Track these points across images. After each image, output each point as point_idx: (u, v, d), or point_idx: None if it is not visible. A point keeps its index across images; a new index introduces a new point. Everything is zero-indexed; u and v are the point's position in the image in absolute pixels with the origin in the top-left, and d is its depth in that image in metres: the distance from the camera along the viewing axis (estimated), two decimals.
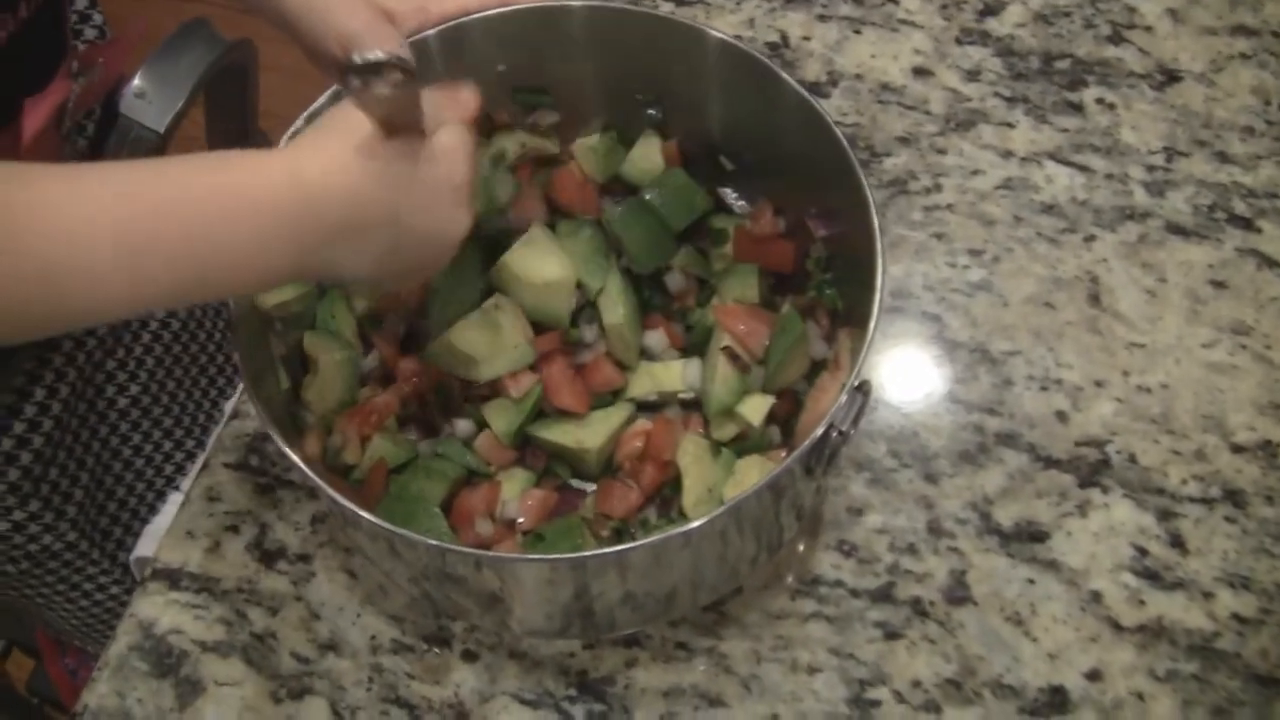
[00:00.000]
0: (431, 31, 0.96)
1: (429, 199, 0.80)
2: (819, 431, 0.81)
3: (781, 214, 1.04)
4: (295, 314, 0.99)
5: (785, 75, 0.94)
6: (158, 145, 1.15)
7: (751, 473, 0.96)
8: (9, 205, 0.66)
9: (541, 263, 1.00)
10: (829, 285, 1.00)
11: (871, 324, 0.84)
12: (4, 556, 1.18)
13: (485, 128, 1.05)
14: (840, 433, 0.82)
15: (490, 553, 0.88)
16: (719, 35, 0.97)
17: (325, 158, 0.78)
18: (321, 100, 0.95)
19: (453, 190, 0.81)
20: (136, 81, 1.15)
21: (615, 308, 1.02)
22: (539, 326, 1.02)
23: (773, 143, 1.00)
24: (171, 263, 0.72)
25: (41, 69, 0.98)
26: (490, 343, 0.99)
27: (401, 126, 0.78)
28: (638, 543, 0.79)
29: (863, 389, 0.84)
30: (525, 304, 1.01)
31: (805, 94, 0.93)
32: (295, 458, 0.82)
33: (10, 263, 0.66)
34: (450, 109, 0.82)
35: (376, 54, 0.69)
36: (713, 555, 0.87)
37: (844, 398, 0.82)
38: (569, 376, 1.01)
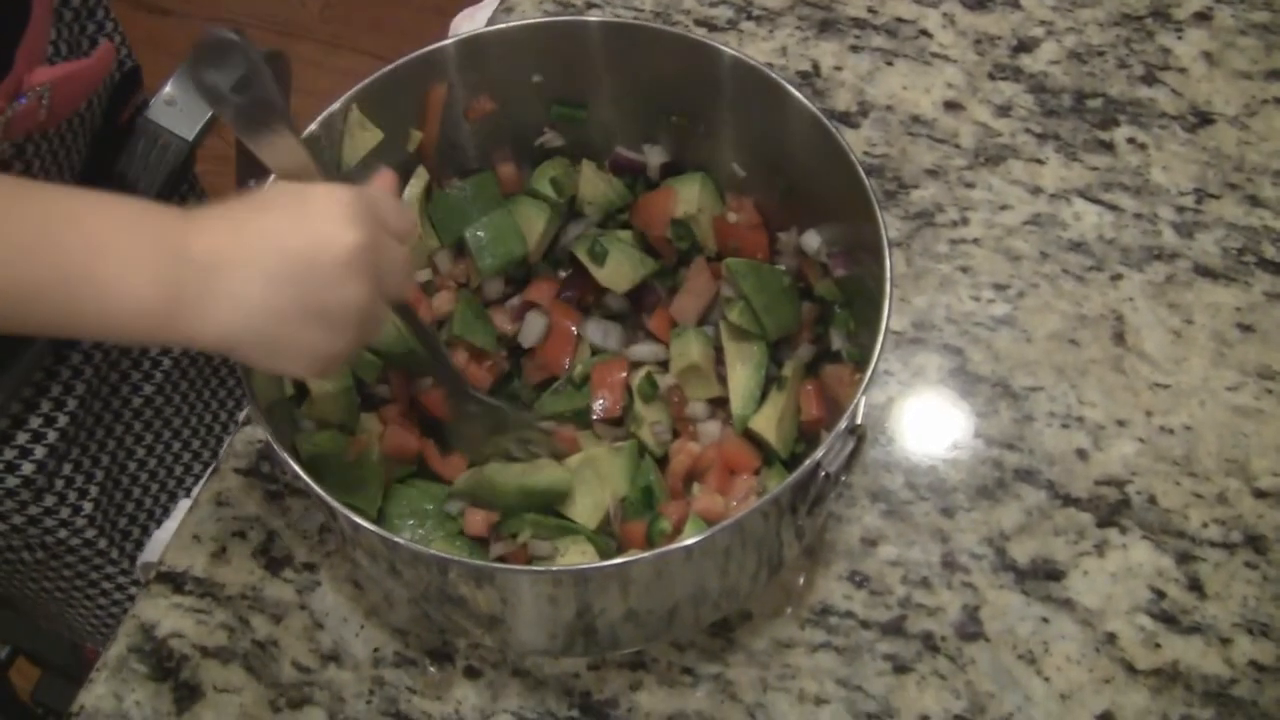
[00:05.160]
0: (449, 41, 0.96)
1: (303, 216, 0.75)
2: (805, 468, 0.80)
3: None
4: None
5: (800, 95, 0.93)
6: (186, 152, 1.16)
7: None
8: None
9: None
10: (848, 320, 0.98)
11: (869, 369, 0.83)
12: (21, 545, 1.18)
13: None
14: (828, 475, 0.81)
15: (490, 564, 0.87)
16: (734, 54, 0.96)
17: (215, 211, 0.76)
18: (336, 105, 0.95)
19: (333, 204, 0.76)
20: (167, 89, 1.15)
21: None
22: None
23: (791, 168, 0.99)
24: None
25: None
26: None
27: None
28: (639, 556, 0.78)
29: (856, 432, 0.82)
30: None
31: (822, 117, 0.92)
32: (293, 463, 0.81)
33: None
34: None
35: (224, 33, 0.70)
36: (713, 571, 0.86)
37: (833, 439, 0.81)
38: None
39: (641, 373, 1.04)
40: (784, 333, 1.02)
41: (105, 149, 1.13)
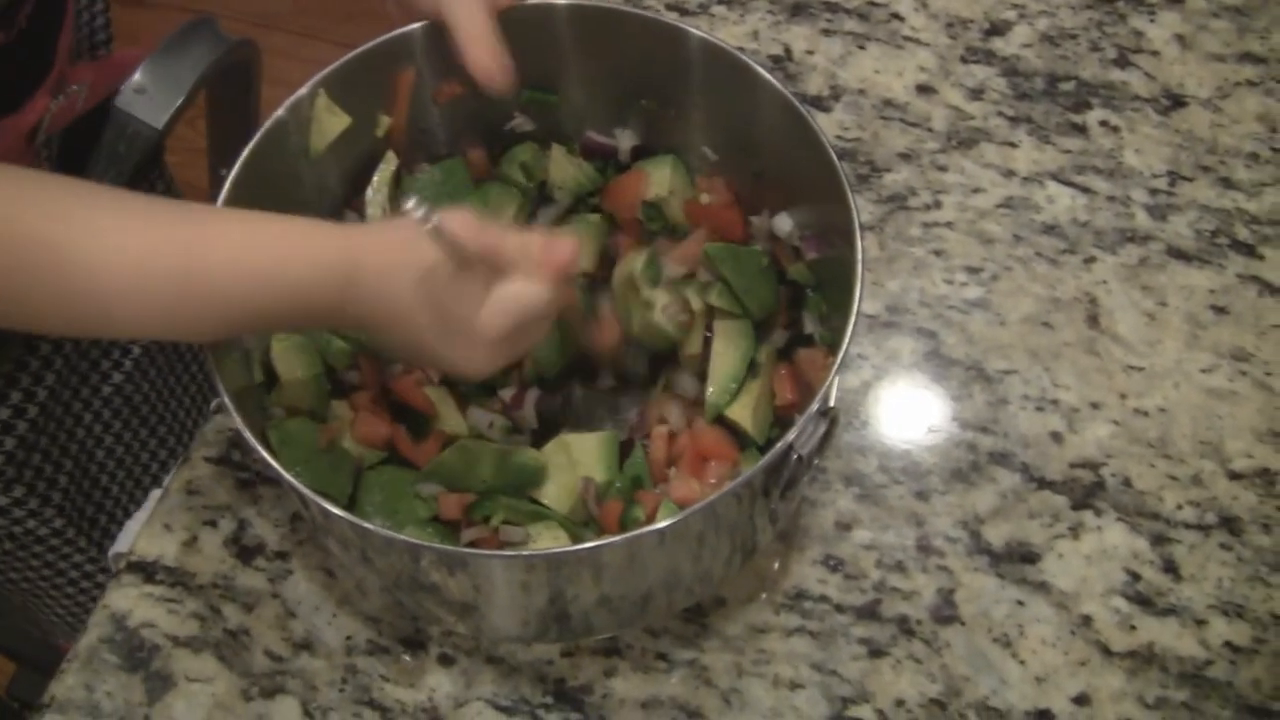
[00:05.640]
0: (417, 25, 0.95)
1: (456, 338, 0.82)
2: (777, 451, 0.79)
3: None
4: None
5: (771, 78, 0.92)
6: (155, 141, 1.14)
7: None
8: (58, 245, 0.73)
9: None
10: (820, 303, 0.98)
11: (841, 352, 0.82)
12: None
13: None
14: (800, 457, 0.80)
15: (462, 549, 0.86)
16: (702, 35, 0.95)
17: (385, 257, 0.80)
18: (303, 90, 0.94)
19: (484, 340, 0.82)
20: (137, 76, 1.14)
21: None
22: None
23: (763, 152, 0.98)
24: (207, 315, 0.79)
25: (20, 88, 0.95)
26: None
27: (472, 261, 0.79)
28: (611, 540, 0.77)
29: (828, 415, 0.81)
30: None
31: (794, 100, 0.91)
32: (263, 450, 0.80)
33: (61, 298, 0.75)
34: (540, 256, 0.82)
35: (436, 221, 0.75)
36: (686, 556, 0.85)
37: (805, 422, 0.80)
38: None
39: (642, 258, 1.02)
40: (765, 313, 1.01)
41: (83, 134, 1.12)
